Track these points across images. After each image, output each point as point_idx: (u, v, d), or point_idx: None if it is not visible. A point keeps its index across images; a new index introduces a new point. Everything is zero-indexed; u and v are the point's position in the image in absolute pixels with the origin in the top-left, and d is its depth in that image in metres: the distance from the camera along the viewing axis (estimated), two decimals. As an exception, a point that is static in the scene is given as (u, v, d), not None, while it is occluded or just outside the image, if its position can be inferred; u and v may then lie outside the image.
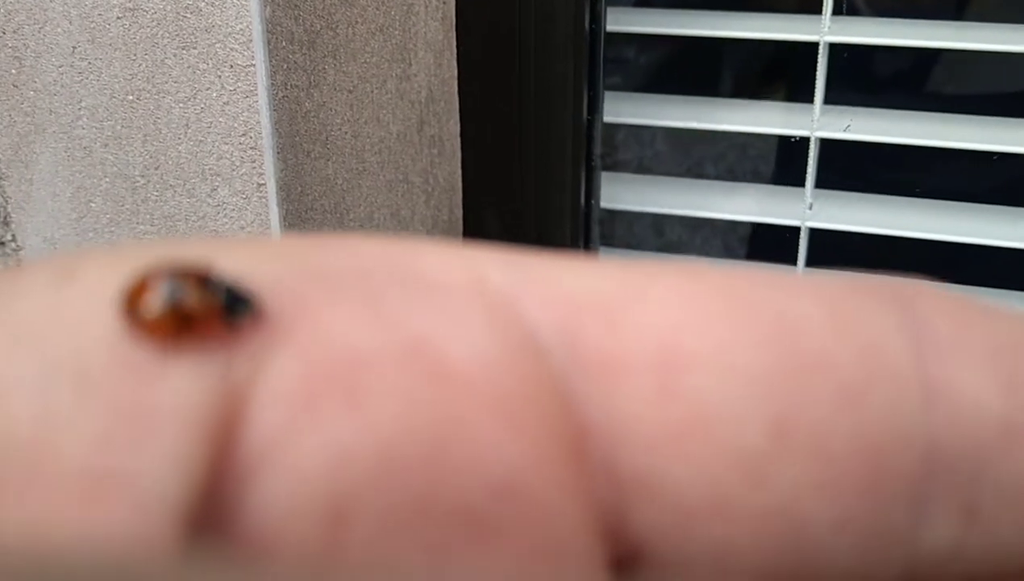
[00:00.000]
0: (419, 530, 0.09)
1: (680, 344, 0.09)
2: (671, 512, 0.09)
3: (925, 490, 0.10)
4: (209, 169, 0.49)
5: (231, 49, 0.46)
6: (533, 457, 0.09)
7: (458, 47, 0.61)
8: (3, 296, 0.09)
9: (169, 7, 0.46)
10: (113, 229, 0.51)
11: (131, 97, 0.49)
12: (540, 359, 0.09)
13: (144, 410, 0.08)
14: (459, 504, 0.09)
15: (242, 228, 0.49)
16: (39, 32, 0.49)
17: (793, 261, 0.64)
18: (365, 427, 0.09)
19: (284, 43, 0.46)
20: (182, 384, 0.09)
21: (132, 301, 0.09)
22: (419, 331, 0.09)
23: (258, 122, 0.47)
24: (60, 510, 0.08)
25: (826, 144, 0.62)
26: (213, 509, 0.09)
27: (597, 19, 0.61)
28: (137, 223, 0.50)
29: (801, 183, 0.63)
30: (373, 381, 0.09)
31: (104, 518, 0.08)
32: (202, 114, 0.48)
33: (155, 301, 0.09)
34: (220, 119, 0.48)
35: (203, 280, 0.09)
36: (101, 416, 0.08)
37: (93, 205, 0.51)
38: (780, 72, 0.79)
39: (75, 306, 0.09)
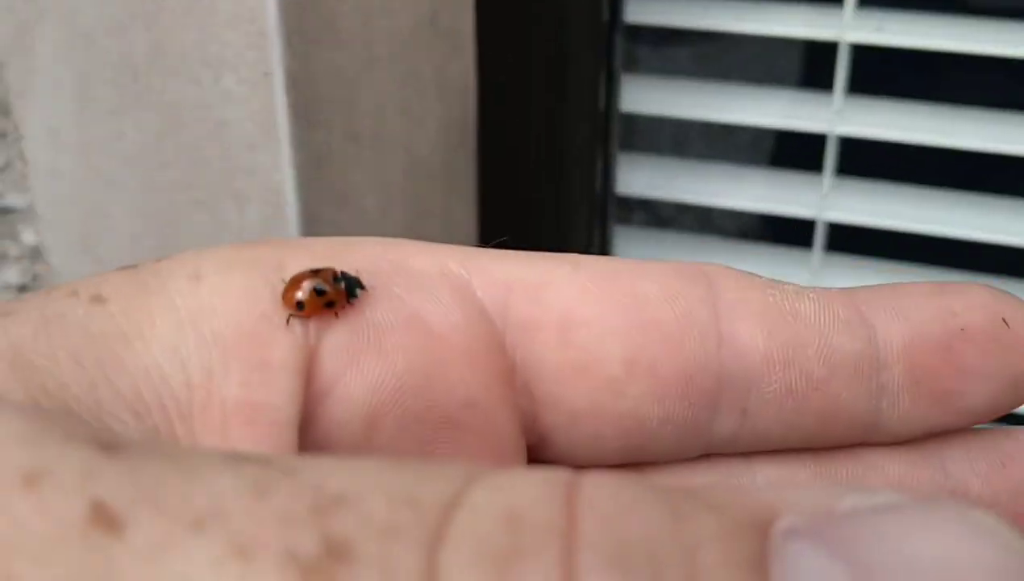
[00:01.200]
0: (418, 431, 0.14)
1: (572, 313, 0.15)
2: (565, 415, 0.15)
3: (716, 399, 0.15)
4: (214, 56, 0.47)
5: (235, -73, 0.44)
6: (485, 383, 0.15)
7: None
8: (145, 291, 0.14)
9: None
10: (116, 117, 0.49)
11: (132, -21, 0.47)
12: (487, 322, 0.15)
13: (266, 365, 0.14)
14: (442, 413, 0.15)
15: (248, 117, 0.47)
16: (37, -92, 0.47)
17: (819, 169, 0.62)
18: (388, 367, 0.14)
19: (291, -78, 0.44)
20: (284, 347, 0.14)
21: (288, 292, 0.14)
22: (414, 308, 0.15)
23: (264, 7, 0.46)
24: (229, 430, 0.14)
25: (857, 50, 0.59)
26: (303, 422, 0.14)
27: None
28: (140, 110, 0.48)
29: (829, 89, 0.60)
30: (391, 341, 0.14)
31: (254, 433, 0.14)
32: (206, -3, 0.46)
33: (304, 292, 0.14)
34: (225, 4, 0.46)
35: (334, 276, 0.15)
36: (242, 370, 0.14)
37: (95, 93, 0.50)
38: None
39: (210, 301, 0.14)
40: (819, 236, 0.64)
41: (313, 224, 0.51)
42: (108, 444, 0.10)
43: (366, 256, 0.15)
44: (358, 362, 0.14)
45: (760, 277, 0.16)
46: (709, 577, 0.09)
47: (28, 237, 0.57)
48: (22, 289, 0.59)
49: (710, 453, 0.16)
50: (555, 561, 0.09)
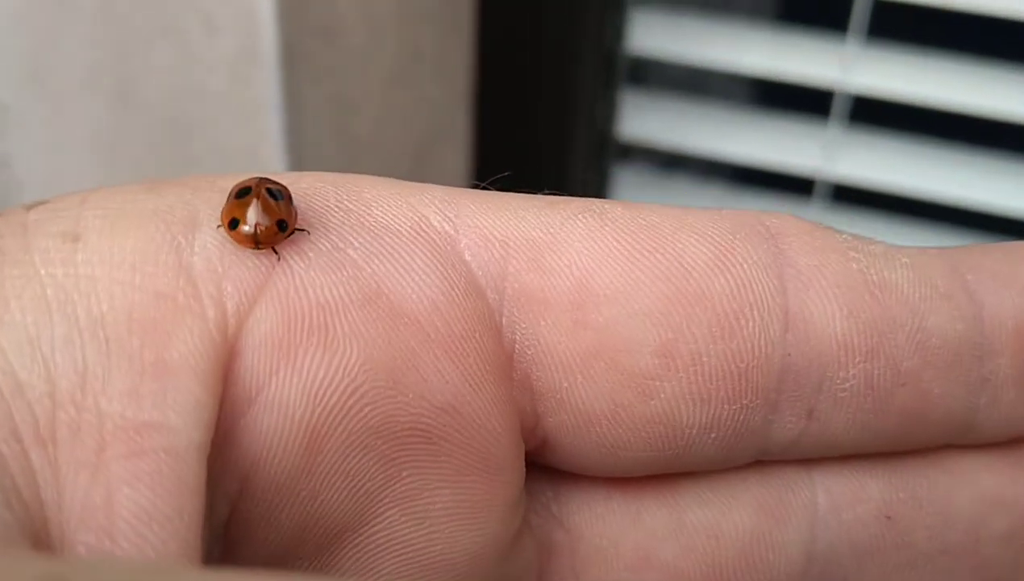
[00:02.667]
0: (379, 447, 0.11)
1: (591, 283, 0.12)
2: (575, 417, 0.12)
3: (777, 398, 0.12)
4: None
5: None
6: (471, 380, 0.11)
7: None
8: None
9: None
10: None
11: None
12: (476, 296, 0.12)
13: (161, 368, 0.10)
14: (412, 422, 0.11)
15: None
16: None
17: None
18: (337, 364, 0.11)
19: None
20: (190, 338, 0.10)
21: (229, 212, 0.12)
22: (376, 278, 0.11)
23: None
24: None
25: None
26: (215, 446, 0.10)
27: None
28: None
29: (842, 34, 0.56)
30: (341, 325, 0.11)
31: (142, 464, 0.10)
32: None
33: (254, 212, 0.11)
34: None
35: (270, 192, 0.12)
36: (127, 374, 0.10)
37: None
38: None
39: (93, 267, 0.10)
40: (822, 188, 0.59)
41: (294, 61, 0.45)
42: None
43: (312, 202, 0.11)
44: (295, 356, 0.10)
45: (840, 233, 0.12)
46: None
47: (-30, 68, 0.51)
48: (-35, 128, 0.53)
49: (763, 460, 0.13)
50: None
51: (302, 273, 0.10)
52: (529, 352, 0.11)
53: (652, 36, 0.62)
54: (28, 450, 0.09)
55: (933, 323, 0.12)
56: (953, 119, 0.57)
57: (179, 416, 0.10)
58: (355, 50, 0.49)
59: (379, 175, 0.46)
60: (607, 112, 0.64)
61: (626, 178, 0.68)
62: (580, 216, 0.12)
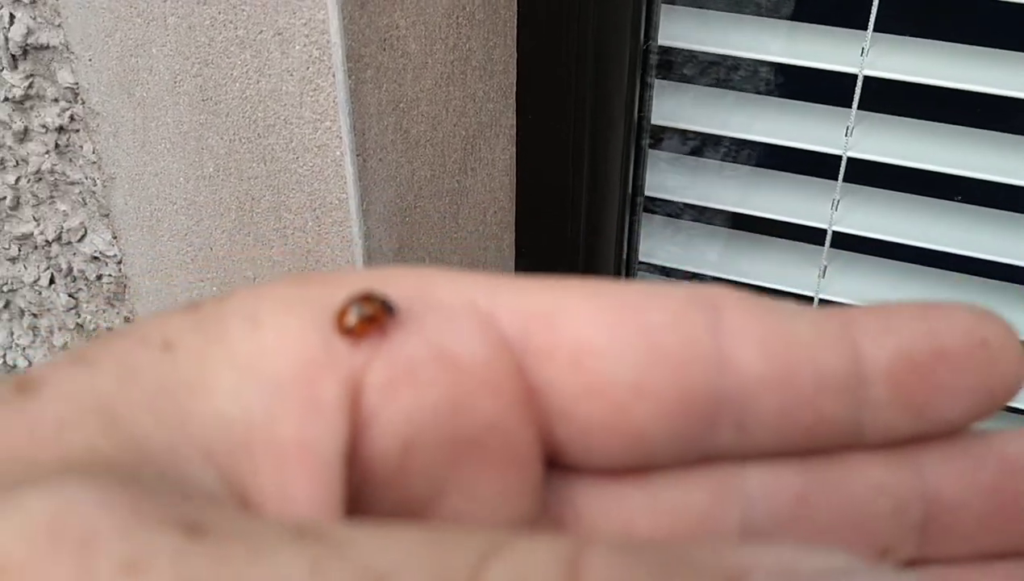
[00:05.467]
0: (448, 452, 0.16)
1: (585, 341, 0.16)
2: (578, 431, 0.17)
3: (716, 417, 0.17)
4: None
5: None
6: (506, 408, 0.16)
7: None
8: (209, 337, 0.16)
9: None
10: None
11: None
12: (508, 351, 0.16)
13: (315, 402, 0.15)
14: (468, 435, 0.16)
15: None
16: None
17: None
18: (422, 399, 0.16)
19: None
20: (334, 386, 0.16)
21: (341, 318, 0.16)
22: (443, 342, 0.16)
23: None
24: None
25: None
26: (348, 454, 0.15)
27: None
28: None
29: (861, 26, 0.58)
30: (424, 374, 0.16)
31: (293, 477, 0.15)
32: None
33: (352, 316, 0.16)
34: None
35: (370, 297, 0.16)
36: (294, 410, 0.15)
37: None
38: None
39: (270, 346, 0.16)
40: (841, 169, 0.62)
41: (357, 68, 0.50)
42: (193, 527, 0.12)
43: (401, 289, 0.17)
44: (396, 396, 0.16)
45: (764, 301, 0.17)
46: None
47: (65, 76, 0.56)
48: (60, 130, 0.58)
49: (708, 458, 0.18)
50: None
51: (399, 342, 0.16)
52: (544, 387, 0.17)
53: (681, 30, 0.65)
54: (240, 462, 0.15)
55: (826, 364, 0.17)
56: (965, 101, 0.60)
57: (329, 435, 0.15)
58: (411, 55, 0.54)
59: (433, 165, 0.51)
60: (641, 101, 0.68)
61: (659, 161, 0.71)
62: (577, 294, 0.17)
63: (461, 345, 0.16)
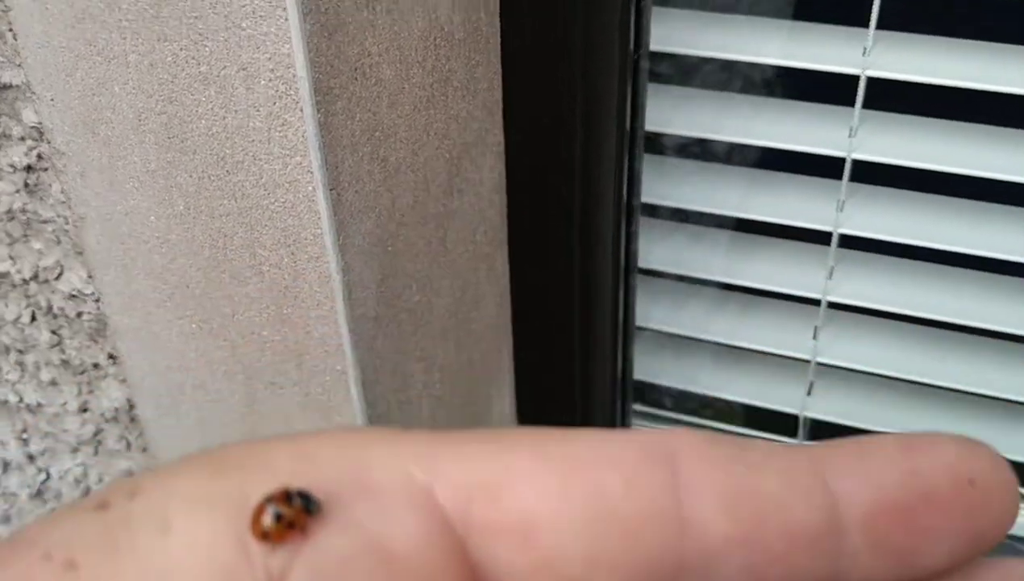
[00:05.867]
0: None
1: (533, 514, 0.15)
2: None
3: (678, 578, 0.15)
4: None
5: None
6: None
7: None
8: (115, 551, 0.14)
9: None
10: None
11: None
12: (448, 532, 0.15)
13: None
14: None
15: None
16: None
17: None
18: None
19: None
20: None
21: (255, 522, 0.15)
22: (375, 533, 0.15)
23: None
24: None
25: None
26: None
27: None
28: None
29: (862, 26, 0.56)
30: (354, 572, 0.15)
31: None
32: None
33: (268, 519, 0.15)
34: None
35: (287, 496, 0.15)
36: None
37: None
38: None
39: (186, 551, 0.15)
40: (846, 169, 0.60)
41: (327, 100, 0.47)
42: None
43: (327, 470, 0.15)
44: None
45: (727, 445, 0.16)
46: None
47: (29, 116, 0.54)
48: (29, 169, 0.56)
49: None
50: None
51: (324, 539, 0.15)
52: (490, 564, 0.15)
53: (674, 33, 0.63)
54: None
55: (796, 516, 0.16)
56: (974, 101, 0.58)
57: None
58: (386, 82, 0.51)
59: (416, 191, 0.48)
60: (633, 108, 0.65)
61: (653, 168, 0.69)
62: (524, 457, 0.16)
63: (395, 535, 0.15)
